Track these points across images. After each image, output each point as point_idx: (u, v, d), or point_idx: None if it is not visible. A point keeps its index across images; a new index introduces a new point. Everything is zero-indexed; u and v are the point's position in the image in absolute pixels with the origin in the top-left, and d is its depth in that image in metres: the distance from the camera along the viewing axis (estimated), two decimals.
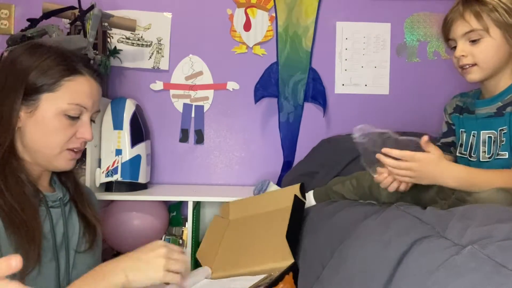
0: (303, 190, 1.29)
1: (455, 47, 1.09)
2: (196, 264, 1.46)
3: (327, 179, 1.39)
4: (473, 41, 1.04)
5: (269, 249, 1.13)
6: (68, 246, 0.97)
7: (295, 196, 1.20)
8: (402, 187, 0.99)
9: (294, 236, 1.13)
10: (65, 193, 1.02)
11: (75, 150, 0.95)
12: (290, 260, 1.05)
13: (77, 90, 0.92)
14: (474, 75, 1.06)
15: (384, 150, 0.96)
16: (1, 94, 0.89)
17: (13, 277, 0.80)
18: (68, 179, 1.04)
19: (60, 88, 0.90)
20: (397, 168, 0.94)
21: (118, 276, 0.78)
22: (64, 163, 0.95)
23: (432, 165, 0.93)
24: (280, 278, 0.98)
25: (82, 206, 1.03)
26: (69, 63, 0.93)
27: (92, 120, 0.99)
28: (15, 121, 0.88)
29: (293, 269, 1.04)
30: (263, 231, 1.22)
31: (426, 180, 0.93)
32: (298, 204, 1.20)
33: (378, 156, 0.96)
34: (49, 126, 0.90)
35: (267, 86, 1.89)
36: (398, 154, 0.94)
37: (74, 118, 0.93)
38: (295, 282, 1.04)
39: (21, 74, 0.88)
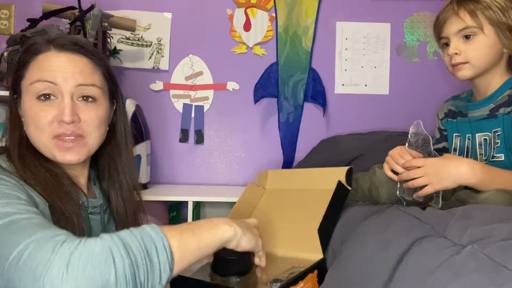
0: (349, 176, 1.15)
1: (446, 45, 1.09)
2: None
3: None
4: (467, 38, 1.04)
5: (300, 236, 1.04)
6: None
7: (339, 182, 1.09)
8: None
9: (329, 228, 1.04)
10: (105, 199, 0.95)
11: (64, 137, 0.82)
12: (319, 255, 0.98)
13: (40, 67, 0.82)
14: (465, 71, 1.06)
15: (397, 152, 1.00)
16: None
17: None
18: (112, 186, 0.95)
19: (27, 71, 0.83)
20: (410, 176, 0.95)
21: (230, 229, 0.75)
22: (61, 155, 0.82)
23: (439, 161, 0.93)
24: (301, 276, 0.91)
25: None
26: (33, 46, 0.84)
27: (85, 97, 0.84)
28: (16, 115, 0.85)
29: (320, 266, 0.97)
30: (297, 213, 1.13)
31: (446, 181, 0.91)
32: (339, 192, 1.09)
33: (399, 177, 1.00)
34: (29, 115, 0.82)
35: (267, 86, 1.89)
36: (411, 161, 0.96)
37: (48, 98, 0.81)
38: (321, 279, 0.94)
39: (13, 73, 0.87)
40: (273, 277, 0.88)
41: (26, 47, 0.86)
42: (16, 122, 0.85)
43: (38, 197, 0.76)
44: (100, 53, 0.90)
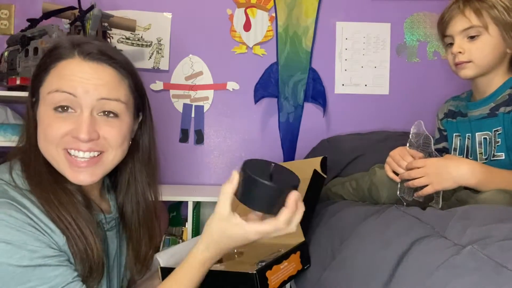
0: (324, 164, 1.22)
1: (450, 44, 1.09)
2: None
3: (326, 180, 1.39)
4: (471, 38, 1.04)
5: None
6: (120, 270, 0.89)
7: (314, 171, 1.15)
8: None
9: (308, 213, 1.09)
10: (120, 210, 0.89)
11: (78, 157, 0.74)
12: (300, 239, 1.04)
13: (60, 75, 0.74)
14: (468, 71, 1.06)
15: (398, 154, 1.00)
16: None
17: None
18: (128, 201, 0.88)
19: (46, 78, 0.76)
20: (411, 176, 0.95)
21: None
22: (72, 174, 0.75)
23: (440, 161, 0.93)
24: (285, 256, 0.97)
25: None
26: (57, 50, 0.77)
27: (107, 112, 0.76)
28: (33, 121, 0.77)
29: (302, 248, 1.03)
30: None
31: (446, 182, 0.91)
32: (316, 180, 1.16)
33: (401, 176, 1.00)
34: (42, 125, 0.75)
35: (267, 86, 1.89)
36: (412, 162, 0.96)
37: (66, 110, 0.74)
38: (306, 259, 1.04)
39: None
40: (259, 259, 0.95)
41: (49, 49, 0.78)
42: (33, 129, 0.77)
43: (55, 228, 0.70)
44: (130, 64, 0.82)
